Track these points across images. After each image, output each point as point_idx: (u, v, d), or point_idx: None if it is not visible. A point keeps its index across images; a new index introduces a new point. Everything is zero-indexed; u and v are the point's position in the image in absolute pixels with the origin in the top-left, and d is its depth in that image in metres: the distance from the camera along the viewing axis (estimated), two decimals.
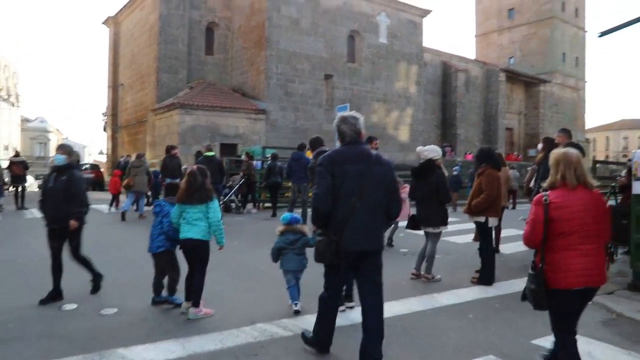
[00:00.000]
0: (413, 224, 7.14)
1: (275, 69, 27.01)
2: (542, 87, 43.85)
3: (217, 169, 12.23)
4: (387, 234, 9.75)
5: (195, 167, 5.56)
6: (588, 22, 69.43)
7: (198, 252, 5.31)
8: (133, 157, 15.74)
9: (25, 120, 66.79)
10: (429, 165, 7.01)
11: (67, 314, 5.34)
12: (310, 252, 4.56)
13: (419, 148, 7.45)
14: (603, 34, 8.06)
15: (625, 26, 7.63)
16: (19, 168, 16.49)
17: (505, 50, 53.69)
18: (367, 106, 30.56)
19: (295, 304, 5.44)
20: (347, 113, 4.24)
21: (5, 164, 19.23)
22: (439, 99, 38.10)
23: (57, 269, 5.83)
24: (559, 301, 3.59)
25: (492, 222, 6.86)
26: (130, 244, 9.44)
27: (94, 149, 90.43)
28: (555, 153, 3.75)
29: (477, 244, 7.31)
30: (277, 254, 5.54)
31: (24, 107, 67.09)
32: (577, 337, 3.78)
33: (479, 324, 5.20)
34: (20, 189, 16.38)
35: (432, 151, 7.14)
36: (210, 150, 12.79)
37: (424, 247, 7.09)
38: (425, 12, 33.92)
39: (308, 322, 5.06)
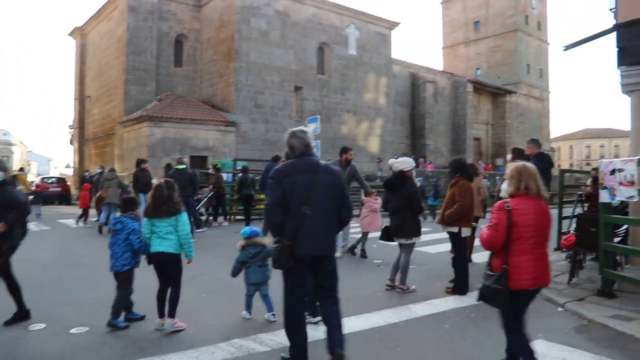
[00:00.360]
0: (386, 235, 7.19)
1: (244, 80, 26.97)
2: (508, 98, 44.71)
3: (189, 182, 12.09)
4: (359, 246, 9.77)
5: (162, 180, 5.50)
6: (550, 35, 71.45)
7: (171, 266, 5.25)
8: (98, 171, 15.59)
9: None
10: (401, 176, 7.08)
11: (35, 334, 5.15)
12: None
13: (391, 160, 7.54)
14: (567, 48, 8.28)
15: (588, 41, 7.87)
16: None
17: (472, 62, 54.67)
18: (337, 117, 30.74)
19: (249, 313, 5.63)
20: (295, 128, 4.47)
21: None
22: (408, 110, 38.50)
23: (13, 288, 5.53)
24: (517, 301, 3.85)
25: (465, 232, 6.93)
26: (101, 259, 9.22)
27: (60, 162, 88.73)
28: (516, 165, 4.00)
29: (450, 254, 7.38)
30: (240, 268, 5.60)
31: None
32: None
33: (456, 335, 5.23)
34: None
35: (403, 163, 7.21)
36: (181, 163, 12.63)
37: (398, 258, 7.12)
38: (394, 25, 34.34)
39: (284, 336, 5.00)
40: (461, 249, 7.02)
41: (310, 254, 4.11)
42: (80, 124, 34.82)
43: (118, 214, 6.11)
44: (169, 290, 5.25)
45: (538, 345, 4.84)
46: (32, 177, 52.23)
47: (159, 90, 28.28)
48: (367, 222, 9.63)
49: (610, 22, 7.38)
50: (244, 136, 26.54)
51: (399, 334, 5.23)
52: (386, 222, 7.46)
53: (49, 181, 31.59)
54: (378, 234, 7.95)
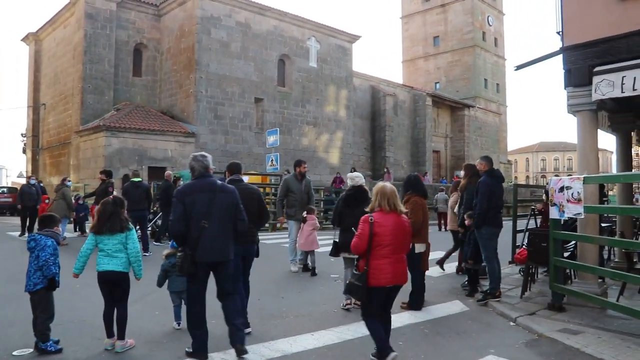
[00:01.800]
0: (335, 250, 7.10)
1: (204, 91, 26.79)
2: (467, 112, 45.62)
3: (144, 195, 11.89)
4: (309, 263, 9.60)
5: (111, 197, 5.39)
6: (507, 52, 73.24)
7: (120, 285, 5.10)
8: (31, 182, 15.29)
9: None
10: (363, 192, 7.04)
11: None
12: None
13: (349, 175, 7.45)
14: (518, 67, 8.52)
15: (537, 62, 8.11)
16: None
17: (431, 76, 55.60)
18: (298, 129, 30.80)
19: (178, 324, 5.77)
20: (198, 153, 5.24)
21: None
22: (368, 123, 38.84)
23: None
24: (374, 294, 4.67)
25: (419, 247, 6.97)
26: None
27: (13, 171, 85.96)
28: (377, 186, 4.95)
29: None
30: (164, 277, 5.74)
31: None
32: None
33: (410, 351, 5.25)
34: None
35: (361, 178, 7.21)
36: (137, 175, 12.39)
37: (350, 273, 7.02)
38: (355, 38, 34.70)
39: (233, 356, 4.94)
40: (415, 265, 7.05)
41: (209, 260, 4.83)
42: (34, 132, 33.89)
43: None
44: (116, 310, 5.09)
45: None
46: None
47: (117, 100, 27.82)
48: (311, 241, 9.55)
49: (559, 44, 7.61)
50: (203, 147, 26.25)
51: (352, 352, 5.23)
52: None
53: (0, 191, 30.56)
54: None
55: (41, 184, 21.49)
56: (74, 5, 28.17)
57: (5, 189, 32.31)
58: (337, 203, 7.57)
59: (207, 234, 4.77)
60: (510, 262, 10.23)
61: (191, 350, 4.84)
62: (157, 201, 14.84)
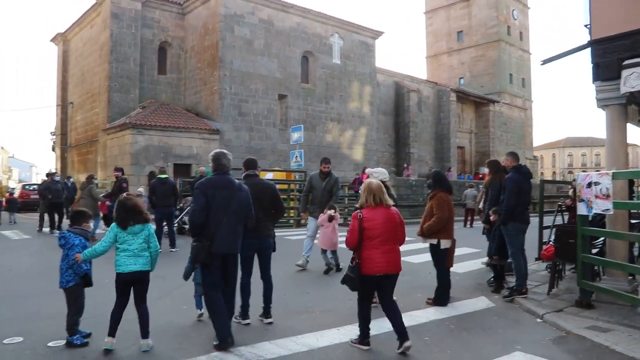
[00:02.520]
0: None
1: (228, 88, 26.96)
2: (491, 107, 45.14)
3: (171, 192, 12.02)
4: (331, 262, 9.54)
5: (124, 193, 5.55)
6: (532, 46, 72.45)
7: (143, 284, 5.11)
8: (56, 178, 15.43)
9: None
10: (386, 188, 7.02)
11: (11, 348, 4.99)
12: None
13: (368, 170, 7.45)
14: (544, 62, 8.39)
15: (564, 56, 7.98)
16: None
17: (455, 71, 55.14)
18: (322, 126, 30.82)
19: (201, 314, 5.97)
20: (224, 150, 5.63)
21: None
22: (392, 119, 38.70)
23: None
24: (367, 281, 5.07)
25: (445, 244, 6.96)
26: None
27: (43, 168, 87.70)
28: (364, 183, 5.34)
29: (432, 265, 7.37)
30: (192, 269, 5.50)
31: None
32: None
33: (435, 347, 5.25)
34: None
35: (383, 173, 7.17)
36: (163, 172, 12.53)
37: None
38: (378, 34, 34.57)
39: (265, 349, 5.02)
40: (441, 260, 7.04)
41: (223, 251, 5.18)
42: (63, 131, 34.53)
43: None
44: (139, 308, 5.06)
45: (516, 358, 4.90)
46: (14, 184, 51.59)
47: (143, 98, 28.17)
48: (329, 239, 9.29)
49: (586, 37, 7.49)
50: (228, 144, 26.46)
51: (378, 346, 5.24)
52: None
53: (30, 188, 31.16)
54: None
55: (71, 180, 21.89)
56: (100, 5, 28.60)
57: (36, 186, 32.96)
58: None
59: (223, 227, 5.13)
60: (536, 259, 10.12)
61: (218, 343, 4.98)
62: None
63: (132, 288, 5.10)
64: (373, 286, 5.18)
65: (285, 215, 17.15)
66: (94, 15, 29.73)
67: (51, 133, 37.94)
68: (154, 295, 6.62)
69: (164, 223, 12.11)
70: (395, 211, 5.29)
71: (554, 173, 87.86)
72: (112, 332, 4.98)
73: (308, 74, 30.97)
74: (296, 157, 18.95)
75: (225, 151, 5.58)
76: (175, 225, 13.95)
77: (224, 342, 4.95)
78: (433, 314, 6.55)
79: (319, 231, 9.62)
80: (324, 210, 9.34)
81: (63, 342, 5.13)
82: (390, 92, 38.67)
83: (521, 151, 45.62)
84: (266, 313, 6.02)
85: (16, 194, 29.06)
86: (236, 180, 5.46)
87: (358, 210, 5.17)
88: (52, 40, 35.51)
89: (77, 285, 5.13)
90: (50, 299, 5.95)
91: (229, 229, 5.18)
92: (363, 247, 5.04)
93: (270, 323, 5.88)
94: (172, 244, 11.72)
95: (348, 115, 32.53)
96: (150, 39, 28.75)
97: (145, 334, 5.03)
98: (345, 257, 9.02)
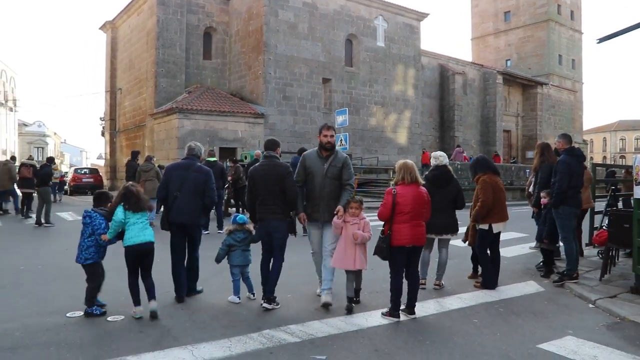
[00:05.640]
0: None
1: (273, 73, 27.09)
2: (539, 89, 44.00)
3: (219, 174, 12.21)
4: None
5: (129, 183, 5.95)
6: (585, 25, 69.85)
7: (150, 255, 5.61)
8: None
9: (23, 125, 66.62)
10: (449, 172, 6.96)
11: (73, 321, 5.31)
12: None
13: (434, 153, 7.27)
14: (601, 40, 8.10)
15: (623, 33, 7.69)
16: (28, 171, 15.76)
17: (502, 53, 53.86)
18: (365, 109, 30.68)
19: (239, 297, 6.10)
20: (196, 142, 6.83)
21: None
22: (436, 102, 38.19)
23: None
24: (397, 252, 5.50)
25: (497, 228, 6.85)
26: None
27: (93, 153, 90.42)
28: (399, 163, 5.75)
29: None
30: (225, 252, 6.18)
31: (22, 111, 66.85)
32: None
33: (485, 329, 5.23)
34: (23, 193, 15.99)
35: (446, 157, 7.10)
36: (212, 155, 12.77)
37: (428, 255, 6.97)
38: (422, 16, 34.03)
39: (314, 327, 5.11)
40: (486, 245, 6.96)
41: (178, 221, 6.15)
42: (112, 116, 35.42)
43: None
44: (145, 281, 5.53)
45: (568, 342, 4.84)
46: (66, 168, 53.39)
47: (188, 83, 28.61)
48: (350, 255, 5.76)
49: None
50: (272, 128, 26.67)
51: (428, 328, 5.26)
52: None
53: (82, 172, 32.24)
54: None
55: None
56: None
57: (87, 170, 34.10)
58: None
59: (178, 201, 6.14)
60: (587, 244, 9.90)
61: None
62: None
63: (139, 262, 5.56)
64: (403, 257, 5.52)
65: None
66: (140, 2, 30.24)
67: (100, 118, 38.99)
68: (205, 276, 6.84)
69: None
70: (424, 190, 5.64)
71: (604, 158, 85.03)
72: (136, 302, 5.48)
73: (352, 57, 30.79)
74: (341, 140, 18.89)
75: (196, 143, 6.75)
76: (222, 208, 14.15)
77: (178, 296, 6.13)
78: (482, 297, 6.51)
79: (330, 242, 5.99)
80: (335, 211, 5.79)
81: (121, 317, 5.40)
82: (434, 75, 38.13)
83: (570, 135, 44.34)
84: (267, 294, 5.78)
85: (69, 177, 30.27)
86: (198, 164, 6.39)
87: (392, 187, 5.59)
88: (101, 28, 36.31)
89: (95, 263, 5.62)
90: (106, 277, 6.19)
91: (182, 203, 6.11)
92: (394, 220, 5.47)
93: (266, 309, 5.69)
94: (220, 226, 11.92)
95: (392, 99, 32.25)
96: (196, 24, 29.09)
97: (152, 297, 5.46)
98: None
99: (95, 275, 5.60)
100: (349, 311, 5.63)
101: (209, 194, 6.25)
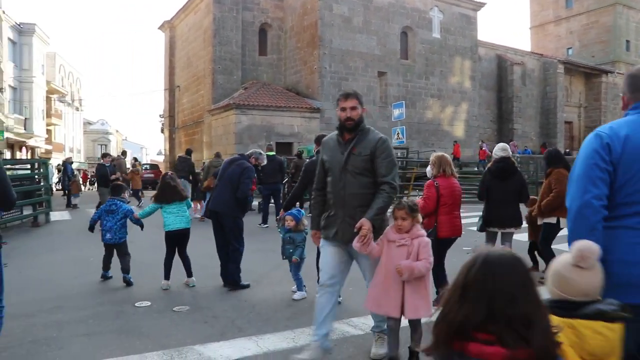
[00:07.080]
0: (483, 225, 6.89)
1: (328, 67, 27.13)
2: (604, 78, 42.30)
3: (278, 169, 12.35)
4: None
5: (169, 172, 7.14)
6: None
7: (185, 239, 6.61)
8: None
9: (87, 123, 69.37)
10: (512, 164, 6.79)
11: (142, 310, 5.50)
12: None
13: (499, 145, 7.08)
14: None
15: None
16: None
17: (562, 41, 51.94)
18: (422, 102, 30.33)
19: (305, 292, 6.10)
20: (259, 150, 7.65)
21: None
22: (494, 94, 37.32)
23: None
24: (442, 245, 5.57)
25: (565, 223, 6.62)
26: (201, 245, 9.63)
27: (152, 149, 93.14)
28: (437, 155, 5.81)
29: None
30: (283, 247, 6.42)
31: (86, 110, 69.60)
32: None
33: None
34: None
35: (509, 149, 6.95)
36: (271, 150, 12.93)
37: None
38: (479, 5, 33.31)
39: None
40: (550, 241, 6.75)
41: (212, 208, 6.62)
42: (171, 113, 36.37)
43: None
44: (182, 256, 6.54)
45: None
46: (128, 164, 55.08)
47: (245, 79, 29.01)
48: (404, 298, 3.82)
49: None
50: (328, 122, 26.70)
51: None
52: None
53: (143, 168, 33.20)
54: None
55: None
56: None
57: (147, 166, 35.15)
58: (483, 175, 7.25)
59: (215, 191, 6.81)
60: None
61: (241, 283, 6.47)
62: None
63: (175, 243, 6.53)
64: (446, 248, 5.70)
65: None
66: (197, 1, 30.88)
67: (160, 116, 40.12)
68: (264, 270, 6.93)
69: (272, 199, 12.47)
70: (457, 182, 5.80)
71: None
72: (167, 276, 6.42)
73: (407, 50, 30.48)
74: (398, 133, 18.75)
75: (256, 150, 7.44)
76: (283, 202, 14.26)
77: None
78: (544, 293, 6.30)
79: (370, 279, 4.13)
80: (356, 227, 3.66)
81: (187, 307, 5.56)
82: (492, 66, 37.26)
83: None
84: None
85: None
86: (241, 160, 6.81)
87: (433, 180, 5.64)
88: (160, 28, 37.33)
89: (126, 240, 6.80)
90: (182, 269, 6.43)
91: (217, 193, 6.64)
92: (439, 212, 5.55)
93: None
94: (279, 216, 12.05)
95: (448, 91, 31.74)
96: (251, 21, 29.45)
97: (189, 273, 6.54)
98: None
99: (127, 249, 6.78)
100: None
101: (242, 187, 6.47)
